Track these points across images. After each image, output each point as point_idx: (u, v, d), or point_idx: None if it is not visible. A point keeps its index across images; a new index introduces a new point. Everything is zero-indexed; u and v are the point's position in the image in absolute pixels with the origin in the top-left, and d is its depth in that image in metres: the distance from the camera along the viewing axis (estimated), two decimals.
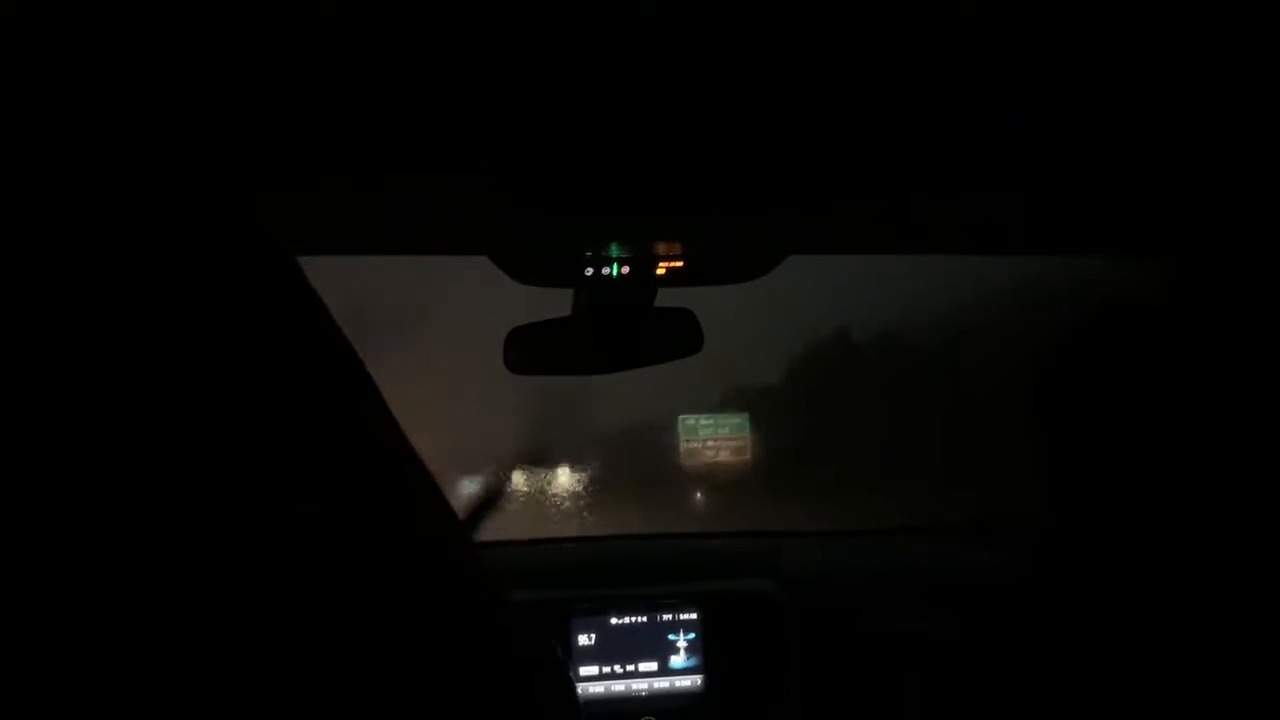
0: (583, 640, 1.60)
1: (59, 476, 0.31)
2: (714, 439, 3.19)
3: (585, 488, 2.54)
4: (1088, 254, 1.28)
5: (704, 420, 3.22)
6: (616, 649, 1.61)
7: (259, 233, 0.39)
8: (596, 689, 1.59)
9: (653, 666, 1.61)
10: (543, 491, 2.50)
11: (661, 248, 1.10)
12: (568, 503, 2.50)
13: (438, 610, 0.40)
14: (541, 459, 2.51)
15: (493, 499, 1.94)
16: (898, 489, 2.40)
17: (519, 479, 2.47)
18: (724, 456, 3.15)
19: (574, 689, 0.63)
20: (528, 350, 1.24)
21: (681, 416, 3.16)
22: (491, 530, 2.27)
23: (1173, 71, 0.77)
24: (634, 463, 2.87)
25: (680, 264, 1.13)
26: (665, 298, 1.24)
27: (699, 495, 2.95)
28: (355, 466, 0.39)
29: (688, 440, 3.20)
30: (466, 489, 2.31)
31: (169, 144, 0.37)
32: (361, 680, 0.36)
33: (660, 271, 1.14)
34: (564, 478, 2.55)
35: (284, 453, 0.36)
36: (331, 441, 0.38)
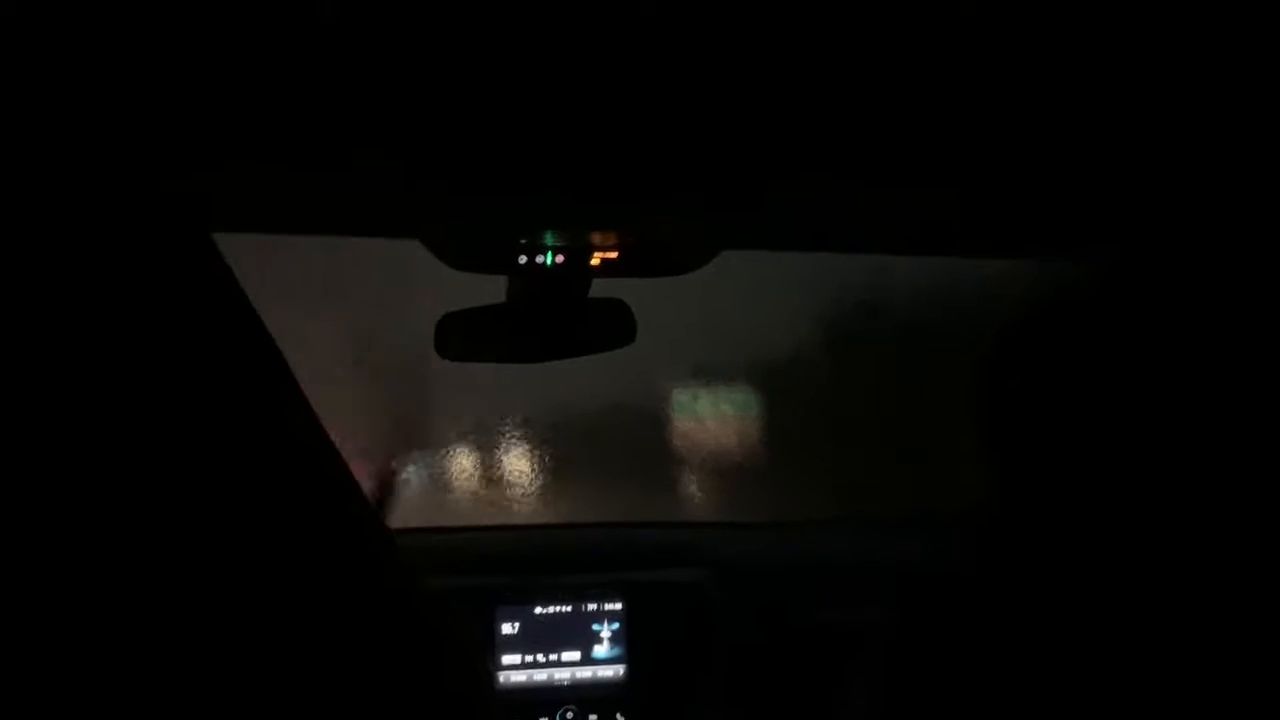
0: (506, 629, 1.60)
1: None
2: (716, 417, 2.80)
3: (548, 471, 2.46)
4: (1026, 256, 1.30)
5: (703, 395, 2.80)
6: (540, 638, 1.61)
7: (176, 209, 0.38)
8: (519, 678, 1.59)
9: (576, 656, 1.61)
10: (498, 477, 2.44)
11: (596, 238, 1.10)
12: (528, 489, 2.44)
13: (347, 596, 0.40)
14: (499, 439, 2.44)
15: (394, 486, 1.91)
16: (840, 477, 2.42)
17: (469, 461, 2.42)
18: (727, 439, 2.76)
19: (489, 679, 0.63)
20: (459, 336, 1.23)
21: (675, 389, 2.79)
22: (419, 516, 2.24)
23: (1124, 73, 0.79)
24: (613, 443, 2.73)
25: (614, 255, 1.13)
26: (601, 288, 1.24)
27: (692, 482, 2.73)
28: (259, 452, 0.38)
29: (681, 417, 2.81)
30: (410, 470, 2.27)
31: (84, 123, 0.36)
32: (266, 668, 0.35)
33: (594, 262, 1.13)
34: (523, 460, 2.46)
35: (191, 432, 0.35)
36: (240, 422, 0.37)
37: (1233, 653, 0.74)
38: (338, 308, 2.12)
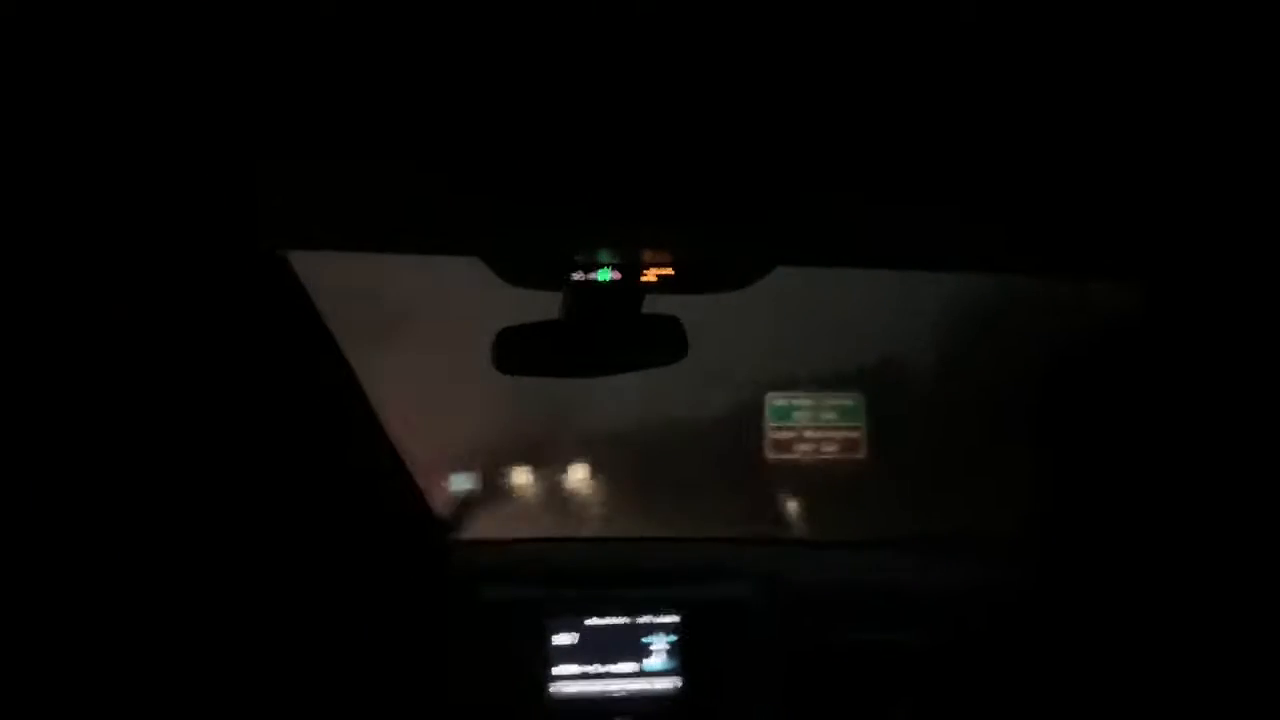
0: (560, 640, 1.61)
1: (46, 472, 0.32)
2: (815, 426, 2.53)
3: (604, 485, 2.40)
4: (1079, 276, 1.29)
5: (801, 402, 2.56)
6: (594, 649, 1.62)
7: (249, 229, 0.40)
8: (572, 688, 1.60)
9: (629, 668, 1.62)
10: (554, 490, 2.41)
11: (649, 255, 1.12)
12: (584, 503, 2.40)
13: (399, 609, 0.42)
14: (555, 453, 2.38)
15: (481, 499, 1.94)
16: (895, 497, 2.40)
17: (525, 475, 2.43)
18: (829, 450, 2.50)
19: (540, 694, 0.65)
20: (515, 351, 1.25)
21: (770, 395, 2.54)
22: (476, 528, 2.27)
23: (1156, 97, 0.79)
24: (668, 459, 2.59)
25: (668, 272, 1.15)
26: (653, 304, 1.26)
27: (789, 500, 2.53)
28: (326, 458, 0.40)
29: (779, 427, 2.56)
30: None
31: (164, 140, 0.39)
32: (314, 675, 0.37)
33: (648, 278, 1.15)
34: (578, 474, 2.37)
35: (255, 442, 0.37)
36: (304, 432, 0.39)
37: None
38: (401, 325, 2.17)
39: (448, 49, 0.70)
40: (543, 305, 1.25)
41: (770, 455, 2.47)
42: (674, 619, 1.65)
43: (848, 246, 1.21)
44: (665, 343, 1.29)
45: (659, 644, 1.63)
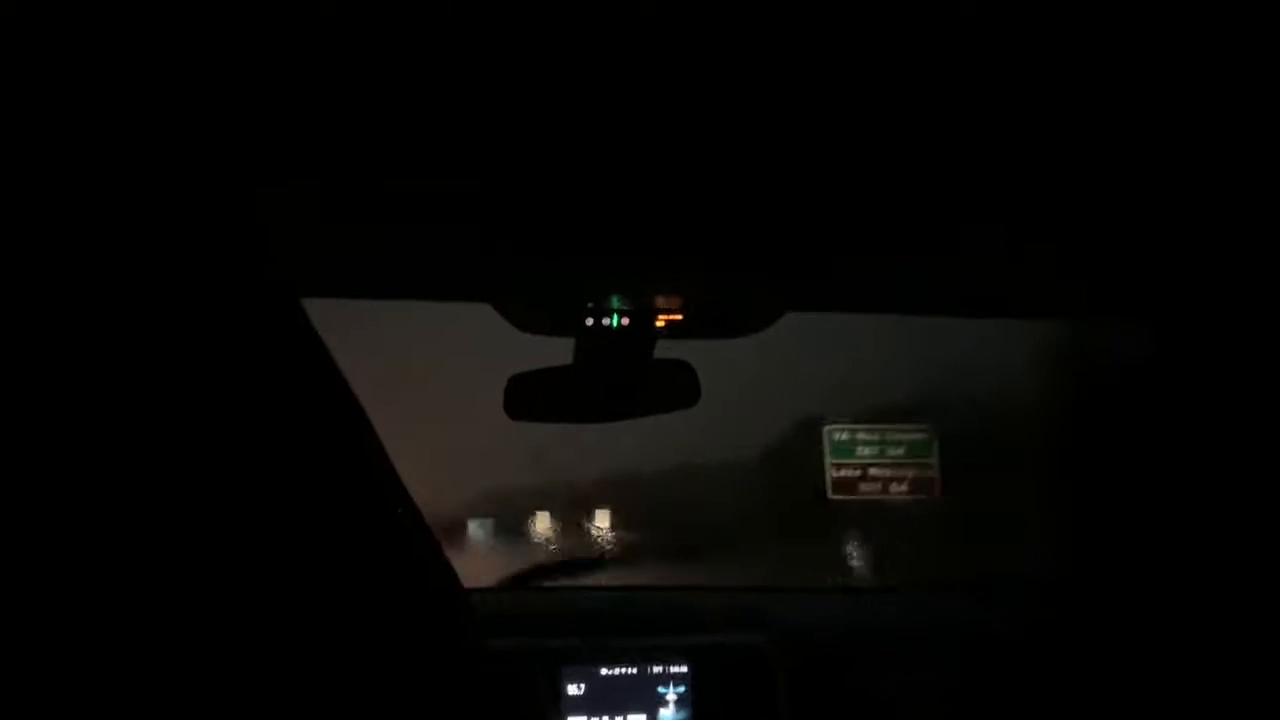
0: (572, 690, 1.60)
1: (52, 483, 0.32)
2: (881, 462, 2.23)
3: (615, 533, 2.33)
4: (1093, 319, 1.29)
5: (864, 435, 2.25)
6: (606, 699, 1.60)
7: (264, 274, 0.41)
8: None
9: (642, 718, 1.60)
10: (565, 538, 2.35)
11: (661, 301, 1.12)
12: (594, 551, 2.32)
13: (412, 656, 0.41)
14: (565, 501, 2.33)
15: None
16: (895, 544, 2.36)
17: (536, 523, 2.40)
18: (899, 490, 2.19)
19: None
20: (526, 397, 1.26)
21: (830, 428, 2.23)
22: (486, 577, 2.25)
23: (1174, 138, 0.79)
24: (676, 506, 2.48)
25: (679, 317, 1.15)
26: (665, 349, 1.26)
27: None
28: (337, 501, 0.40)
29: (839, 463, 2.25)
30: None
31: (176, 173, 0.39)
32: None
33: (659, 324, 1.16)
34: (589, 522, 2.30)
35: (267, 483, 0.37)
36: (315, 475, 0.39)
37: None
38: (408, 369, 2.17)
39: (461, 98, 0.71)
40: (555, 351, 1.26)
41: (833, 496, 2.22)
42: (685, 669, 1.63)
43: (858, 293, 1.22)
44: (677, 387, 1.29)
45: (671, 694, 1.61)
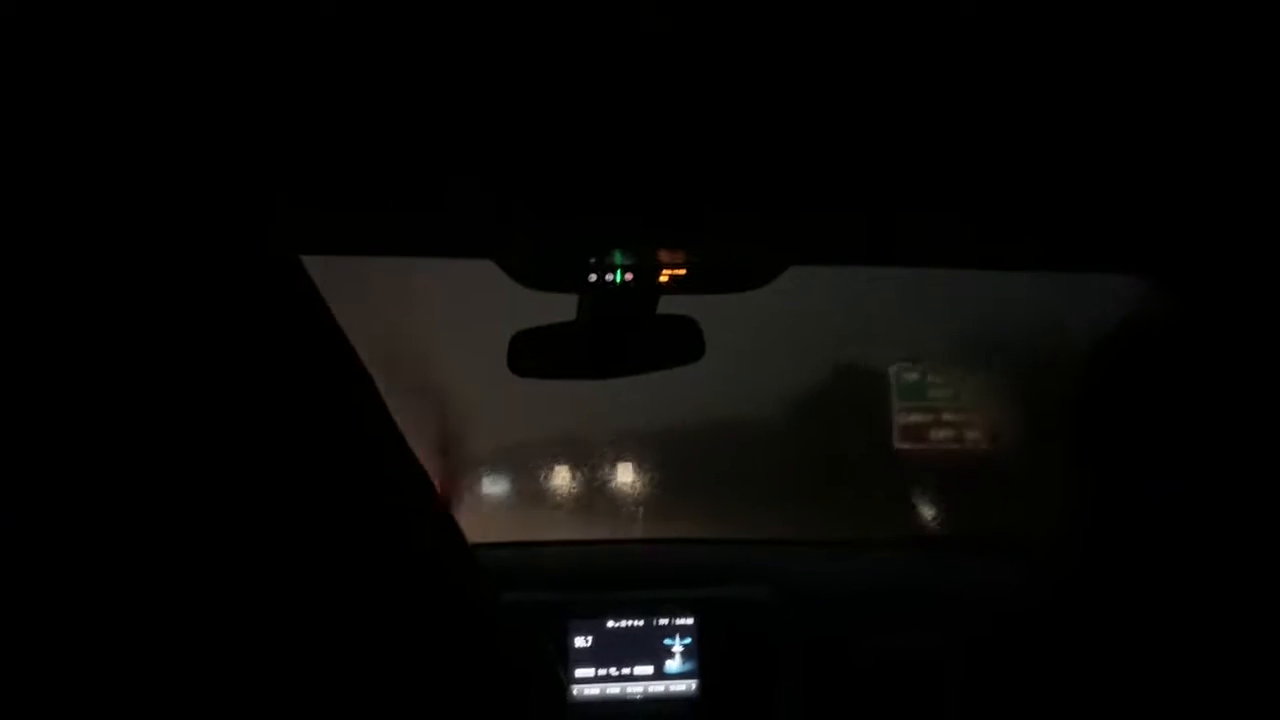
0: (579, 643, 1.62)
1: (63, 472, 0.32)
2: (954, 407, 2.01)
3: (621, 488, 2.33)
4: (1101, 271, 1.28)
5: (935, 378, 2.02)
6: (613, 652, 1.62)
7: (263, 232, 0.40)
8: (592, 691, 1.60)
9: (648, 670, 1.62)
10: (571, 493, 2.33)
11: (664, 255, 1.12)
12: (600, 505, 2.31)
13: (425, 614, 0.41)
14: (570, 456, 2.31)
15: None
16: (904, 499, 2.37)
17: (543, 478, 2.40)
18: (972, 438, 2.00)
19: (563, 699, 0.64)
20: (530, 354, 1.26)
21: (896, 366, 2.05)
22: (495, 531, 2.27)
23: (1175, 86, 0.78)
24: (682, 461, 2.42)
25: (683, 272, 1.15)
26: (669, 305, 1.26)
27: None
28: (345, 464, 0.40)
29: (907, 407, 2.05)
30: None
31: (176, 147, 0.39)
32: (346, 682, 0.37)
33: (663, 279, 1.15)
34: (597, 477, 2.28)
35: (275, 448, 0.37)
36: (321, 439, 0.39)
37: None
38: (418, 323, 2.17)
39: (461, 53, 0.71)
40: (559, 308, 1.25)
41: (900, 445, 2.02)
42: (690, 621, 1.64)
43: (863, 246, 1.21)
44: (681, 343, 1.29)
45: (677, 646, 1.63)
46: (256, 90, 0.73)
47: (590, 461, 2.41)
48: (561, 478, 2.42)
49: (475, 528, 2.20)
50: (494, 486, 2.43)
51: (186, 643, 0.33)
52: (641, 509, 2.38)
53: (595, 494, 2.40)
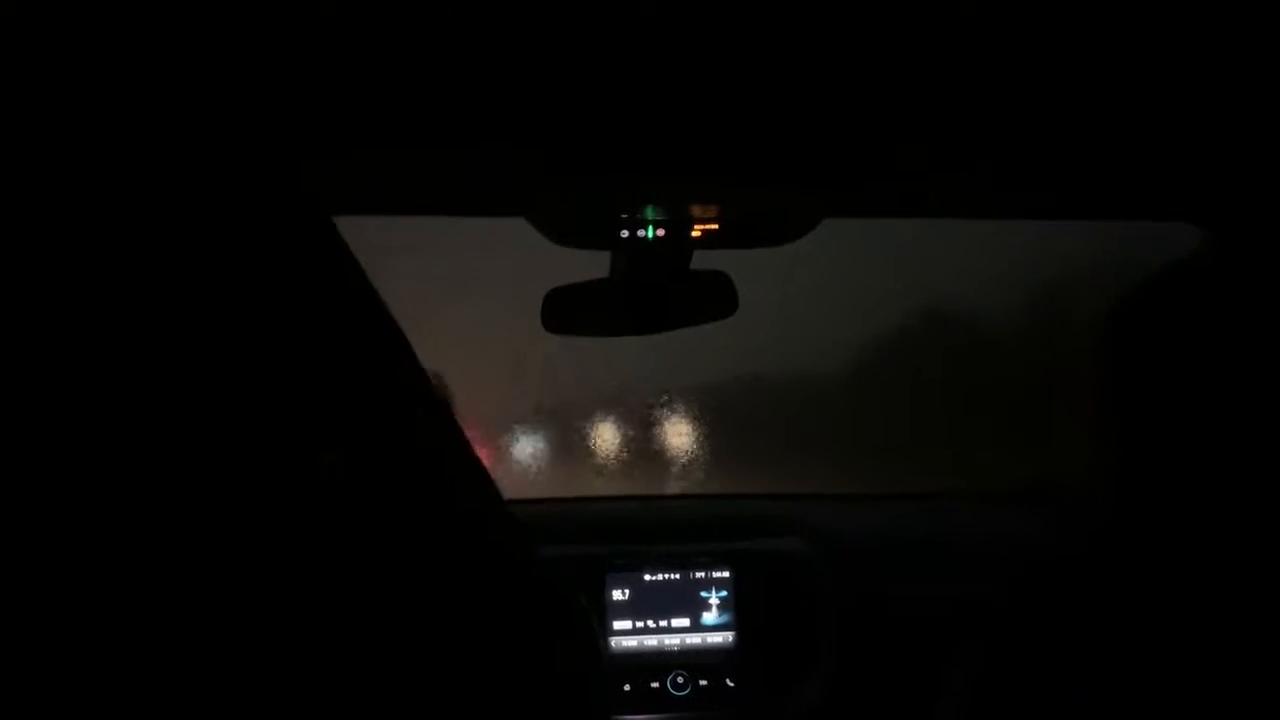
0: (617, 595, 1.64)
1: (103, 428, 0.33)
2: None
3: (659, 443, 2.35)
4: (1141, 219, 1.26)
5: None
6: (650, 605, 1.64)
7: (296, 194, 0.41)
8: (630, 643, 1.63)
9: (685, 622, 1.64)
10: (611, 449, 2.35)
11: (696, 210, 1.11)
12: (639, 461, 2.33)
13: (461, 571, 0.42)
14: (609, 412, 2.33)
15: None
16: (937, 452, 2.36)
17: (582, 433, 2.41)
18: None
19: (597, 651, 0.65)
20: (564, 311, 1.26)
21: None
22: (535, 487, 2.29)
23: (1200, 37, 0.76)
24: (720, 416, 2.45)
25: (715, 227, 1.14)
26: (701, 260, 1.25)
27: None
28: (381, 422, 0.41)
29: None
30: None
31: (209, 112, 0.39)
32: (384, 634, 0.37)
33: (695, 234, 1.15)
34: (636, 432, 2.30)
35: (313, 406, 0.38)
36: (357, 397, 0.40)
37: None
38: (455, 281, 2.17)
39: (493, 10, 0.70)
40: (593, 264, 1.25)
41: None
42: (726, 574, 1.66)
43: (896, 197, 1.20)
44: (715, 298, 1.29)
45: (714, 598, 1.65)
46: (290, 50, 0.73)
47: (630, 418, 2.43)
48: (601, 435, 2.44)
49: (515, 483, 2.23)
50: (534, 443, 2.46)
51: (220, 583, 0.34)
52: (678, 464, 2.39)
53: (634, 451, 2.41)
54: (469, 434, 0.46)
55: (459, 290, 2.20)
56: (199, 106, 0.39)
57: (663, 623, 1.64)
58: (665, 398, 2.42)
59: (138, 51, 0.37)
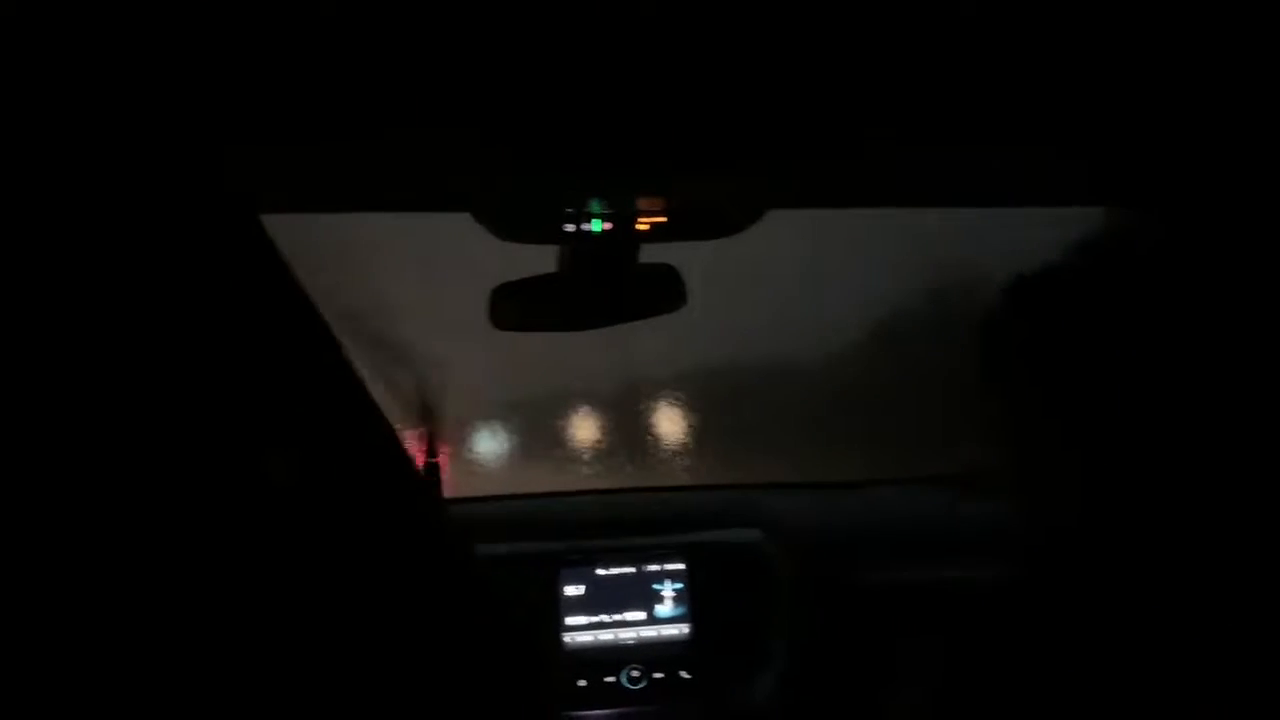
0: (571, 591, 1.63)
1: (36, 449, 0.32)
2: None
3: (608, 438, 2.34)
4: (1063, 205, 1.28)
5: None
6: (604, 599, 1.64)
7: (224, 191, 0.40)
8: (585, 638, 1.62)
9: (640, 616, 1.64)
10: (557, 445, 2.34)
11: (642, 204, 1.11)
12: (589, 457, 2.32)
13: (398, 570, 0.41)
14: (556, 408, 2.32)
15: None
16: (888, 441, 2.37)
17: (527, 430, 2.40)
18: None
19: (539, 650, 0.64)
20: (511, 307, 1.25)
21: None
22: (491, 484, 2.27)
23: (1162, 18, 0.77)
24: (673, 408, 2.47)
25: (662, 219, 1.14)
26: (650, 254, 1.25)
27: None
28: (318, 424, 0.40)
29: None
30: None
31: (138, 101, 0.38)
32: (326, 641, 0.37)
33: (642, 227, 1.14)
34: (583, 428, 2.30)
35: (246, 409, 0.37)
36: (291, 400, 0.39)
37: None
38: (377, 278, 2.14)
39: (432, 6, 0.69)
40: (539, 260, 1.24)
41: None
42: (681, 566, 1.66)
43: (841, 188, 1.20)
44: (663, 292, 1.28)
45: (668, 591, 1.65)
46: (225, 41, 0.71)
47: (583, 414, 2.42)
48: (556, 431, 2.43)
49: (470, 480, 2.20)
50: (489, 440, 2.44)
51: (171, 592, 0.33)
52: (634, 459, 2.39)
53: (589, 446, 2.41)
54: (425, 432, 0.45)
55: (412, 287, 2.18)
56: (129, 97, 0.37)
57: (617, 617, 1.64)
58: (621, 393, 2.42)
59: (72, 37, 0.36)
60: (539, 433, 2.40)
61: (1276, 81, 0.85)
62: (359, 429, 0.44)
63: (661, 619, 1.64)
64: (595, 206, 1.10)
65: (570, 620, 1.62)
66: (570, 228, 1.11)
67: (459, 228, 1.13)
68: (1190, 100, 0.91)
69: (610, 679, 1.61)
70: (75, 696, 0.32)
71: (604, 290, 1.25)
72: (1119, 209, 1.25)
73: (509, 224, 1.11)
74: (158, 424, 0.35)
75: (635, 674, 1.61)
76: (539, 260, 1.23)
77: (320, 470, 0.40)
